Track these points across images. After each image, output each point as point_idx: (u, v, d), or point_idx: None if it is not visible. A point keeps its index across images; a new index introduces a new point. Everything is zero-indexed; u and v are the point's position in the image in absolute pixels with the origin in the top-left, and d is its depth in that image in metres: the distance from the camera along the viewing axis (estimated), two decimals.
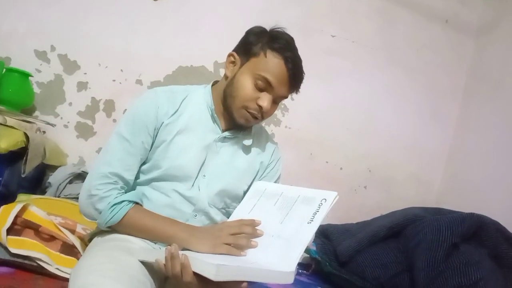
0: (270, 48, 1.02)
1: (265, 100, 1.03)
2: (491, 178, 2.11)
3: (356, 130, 2.38)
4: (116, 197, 0.98)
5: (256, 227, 0.95)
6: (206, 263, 0.76)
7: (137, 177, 1.06)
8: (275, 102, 1.08)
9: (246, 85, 1.03)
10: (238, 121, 1.07)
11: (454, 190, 2.38)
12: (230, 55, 1.10)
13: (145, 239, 1.00)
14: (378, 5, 2.39)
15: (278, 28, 1.08)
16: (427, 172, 2.49)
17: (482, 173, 2.19)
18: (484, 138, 2.25)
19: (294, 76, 1.04)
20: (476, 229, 1.61)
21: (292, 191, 1.02)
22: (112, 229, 1.02)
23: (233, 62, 1.09)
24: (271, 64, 1.02)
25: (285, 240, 0.90)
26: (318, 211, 0.92)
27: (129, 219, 0.97)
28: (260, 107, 1.03)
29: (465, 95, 2.51)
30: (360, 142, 2.38)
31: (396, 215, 1.91)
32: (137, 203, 1.00)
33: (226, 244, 0.90)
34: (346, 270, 1.75)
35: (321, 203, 0.93)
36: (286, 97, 1.09)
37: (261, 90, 1.03)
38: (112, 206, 0.96)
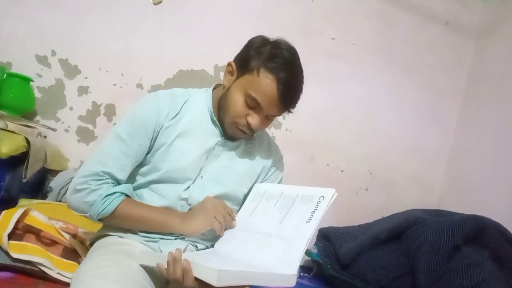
0: (264, 67, 1.00)
1: (254, 118, 1.03)
2: (492, 180, 2.11)
3: (356, 132, 2.38)
4: (108, 189, 0.99)
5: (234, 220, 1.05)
6: (207, 268, 0.76)
7: (135, 179, 1.07)
8: (268, 118, 1.07)
9: (237, 101, 1.03)
10: (229, 133, 1.08)
11: (455, 191, 2.37)
12: (229, 64, 1.09)
13: (138, 230, 1.01)
14: (378, 7, 2.39)
15: (281, 40, 1.05)
16: (428, 173, 2.49)
17: (483, 174, 2.18)
18: (484, 139, 2.25)
19: (285, 98, 1.01)
20: (477, 231, 1.60)
21: (291, 190, 1.03)
22: (105, 225, 1.04)
23: (230, 72, 1.08)
24: (262, 84, 0.99)
25: (285, 241, 0.90)
26: (316, 210, 0.92)
27: (122, 210, 0.98)
28: (249, 124, 1.03)
29: (465, 97, 2.50)
30: (361, 144, 2.38)
31: (397, 217, 1.91)
32: (128, 196, 1.02)
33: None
34: (348, 273, 1.74)
35: (319, 201, 0.93)
36: (278, 115, 1.08)
37: (251, 108, 1.02)
38: (104, 197, 0.97)
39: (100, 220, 1.01)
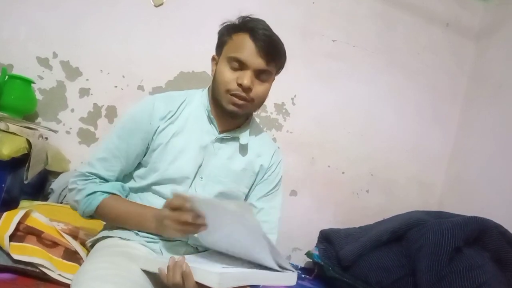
0: (235, 31, 1.06)
1: (243, 77, 1.03)
2: (492, 180, 2.11)
3: (357, 133, 2.37)
4: (92, 188, 1.03)
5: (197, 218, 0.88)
6: (208, 272, 0.75)
7: (136, 182, 1.08)
8: (260, 79, 1.06)
9: (223, 71, 1.05)
10: (227, 108, 1.06)
11: (456, 192, 2.37)
12: (212, 58, 1.14)
13: (125, 226, 1.04)
14: (378, 9, 2.39)
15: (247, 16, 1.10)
16: (428, 174, 2.49)
17: (483, 175, 2.18)
18: (485, 140, 2.25)
19: (263, 45, 1.03)
20: (479, 233, 1.60)
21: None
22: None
23: (215, 63, 1.12)
24: (237, 42, 1.04)
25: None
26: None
27: (102, 209, 1.02)
28: (240, 85, 1.03)
29: (466, 98, 2.50)
30: (362, 145, 2.38)
31: (398, 219, 1.90)
32: (114, 194, 1.04)
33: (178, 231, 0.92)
34: (349, 275, 1.74)
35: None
36: (267, 70, 1.06)
37: (237, 69, 1.04)
38: (86, 196, 1.02)
39: (90, 217, 1.06)
